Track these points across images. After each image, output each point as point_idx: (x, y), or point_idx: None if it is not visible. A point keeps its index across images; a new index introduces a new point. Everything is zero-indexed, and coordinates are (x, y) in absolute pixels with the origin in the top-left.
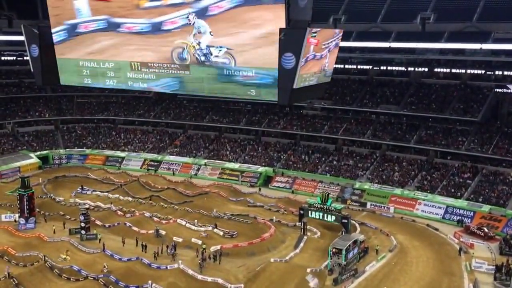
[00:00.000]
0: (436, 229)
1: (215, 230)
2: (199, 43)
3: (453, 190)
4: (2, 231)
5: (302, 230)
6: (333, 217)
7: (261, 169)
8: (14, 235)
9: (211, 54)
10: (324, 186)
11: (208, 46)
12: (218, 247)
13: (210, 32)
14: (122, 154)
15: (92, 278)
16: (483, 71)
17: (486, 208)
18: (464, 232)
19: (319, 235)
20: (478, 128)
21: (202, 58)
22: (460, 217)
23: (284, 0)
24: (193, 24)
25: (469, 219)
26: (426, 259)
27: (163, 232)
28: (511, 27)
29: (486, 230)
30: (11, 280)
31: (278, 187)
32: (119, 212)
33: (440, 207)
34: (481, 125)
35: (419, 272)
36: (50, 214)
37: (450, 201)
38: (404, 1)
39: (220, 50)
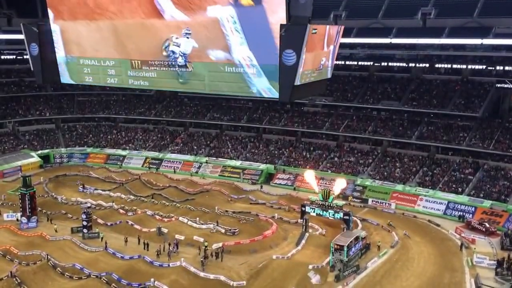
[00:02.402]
0: (438, 225)
1: (217, 227)
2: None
3: (454, 186)
4: (4, 230)
5: (304, 227)
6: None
7: (262, 166)
8: (16, 234)
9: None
10: (326, 183)
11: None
12: (220, 244)
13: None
14: (123, 153)
15: (94, 276)
16: (484, 66)
17: (487, 203)
18: (465, 228)
19: (320, 232)
20: (479, 123)
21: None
22: (462, 213)
23: None
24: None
25: (471, 215)
26: (428, 254)
27: (165, 230)
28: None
29: (488, 225)
30: (14, 279)
31: (280, 184)
32: (121, 211)
33: (441, 203)
34: (482, 121)
35: (420, 268)
36: (52, 213)
37: (452, 196)
38: None
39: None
